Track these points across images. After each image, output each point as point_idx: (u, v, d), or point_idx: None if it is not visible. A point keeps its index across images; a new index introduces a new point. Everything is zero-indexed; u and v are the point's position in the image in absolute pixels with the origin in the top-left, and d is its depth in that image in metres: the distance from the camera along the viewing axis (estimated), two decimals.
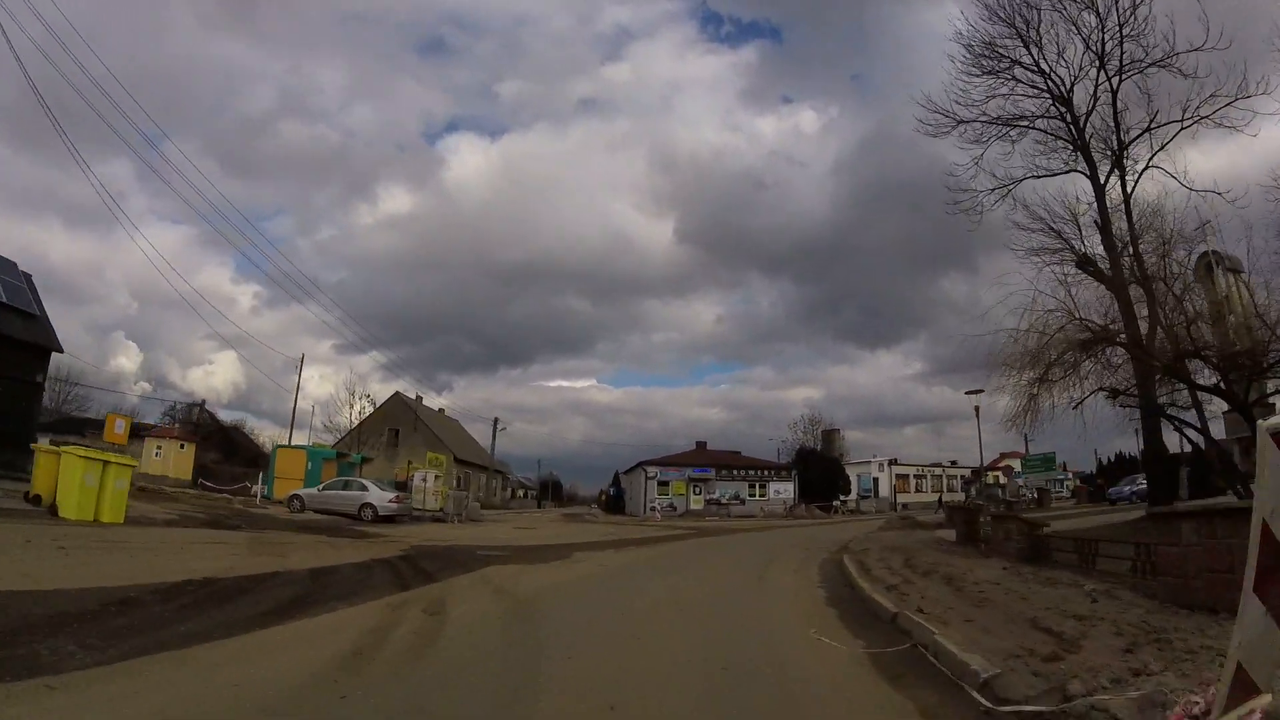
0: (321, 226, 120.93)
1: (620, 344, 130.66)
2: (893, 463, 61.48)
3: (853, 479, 55.50)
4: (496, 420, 56.52)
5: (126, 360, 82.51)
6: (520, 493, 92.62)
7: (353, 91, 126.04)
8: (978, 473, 72.13)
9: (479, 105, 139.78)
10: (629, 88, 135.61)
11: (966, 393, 27.21)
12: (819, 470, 50.92)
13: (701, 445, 54.92)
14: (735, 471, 50.46)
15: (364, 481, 25.19)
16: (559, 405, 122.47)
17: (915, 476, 62.69)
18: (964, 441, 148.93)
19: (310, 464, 30.38)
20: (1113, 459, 49.18)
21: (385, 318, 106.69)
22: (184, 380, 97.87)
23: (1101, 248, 16.72)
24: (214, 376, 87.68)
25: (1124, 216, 16.19)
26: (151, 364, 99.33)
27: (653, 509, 43.73)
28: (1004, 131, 17.54)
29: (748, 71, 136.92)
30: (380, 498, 23.82)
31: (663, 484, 47.51)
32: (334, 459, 31.83)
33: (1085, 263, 16.63)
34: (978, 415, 26.54)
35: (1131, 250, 15.89)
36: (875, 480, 59.91)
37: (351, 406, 44.93)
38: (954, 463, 69.70)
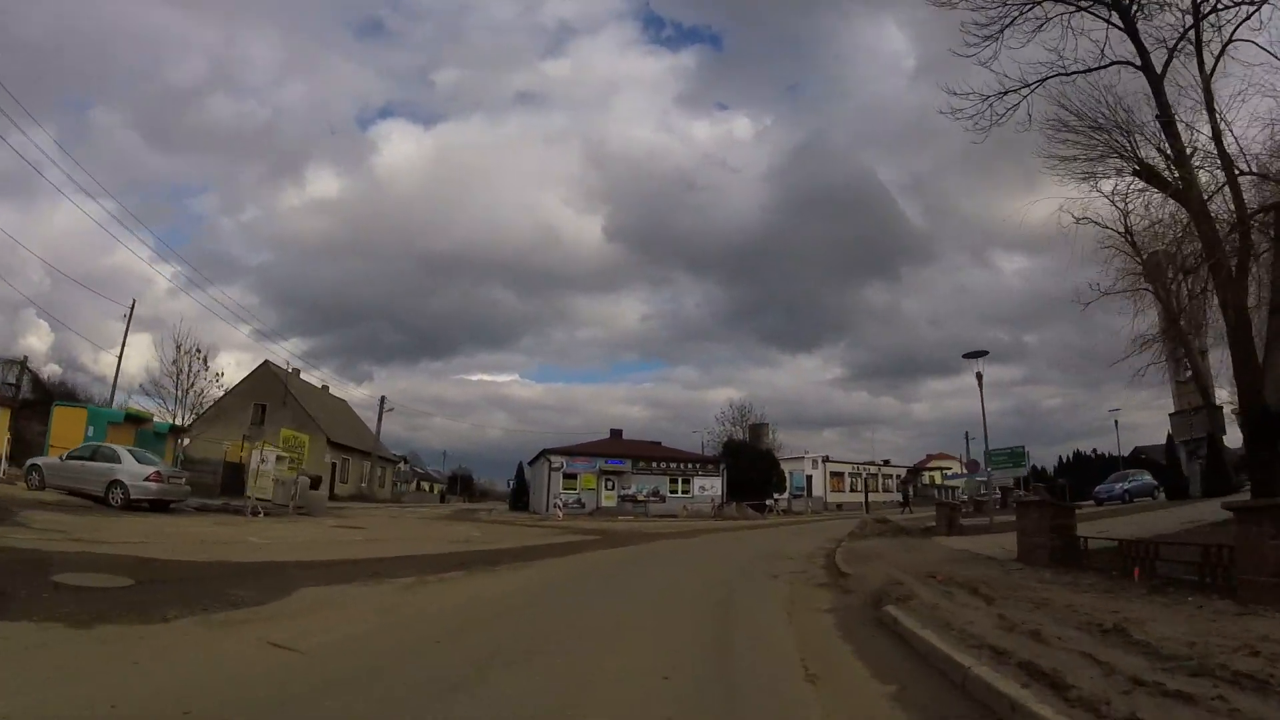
0: (246, 206, 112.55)
1: (544, 338, 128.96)
2: (826, 460, 57.19)
3: (785, 476, 50.65)
4: (383, 400, 48.98)
5: (37, 340, 70.31)
6: (427, 486, 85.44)
7: (286, 68, 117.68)
8: (915, 471, 68.85)
9: (415, 91, 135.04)
10: (567, 83, 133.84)
11: (966, 355, 21.97)
12: (750, 465, 45.69)
13: (616, 434, 48.69)
14: (655, 464, 44.30)
15: (118, 449, 17.78)
16: (481, 399, 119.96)
17: (850, 475, 58.67)
18: (880, 445, 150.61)
19: (91, 428, 22.55)
20: (1071, 458, 45.85)
21: (308, 303, 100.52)
22: (95, 363, 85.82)
23: (1158, 154, 11.56)
24: (129, 360, 76.12)
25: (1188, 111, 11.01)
26: (63, 345, 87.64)
27: (556, 506, 37.27)
28: (1025, 10, 12.10)
29: (685, 75, 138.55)
30: (135, 474, 16.63)
31: (569, 476, 40.87)
32: (122, 422, 24.01)
33: (1148, 175, 11.46)
34: (980, 383, 21.25)
35: (1216, 147, 10.73)
36: (809, 478, 55.39)
37: (182, 370, 36.36)
38: (887, 461, 66.41)
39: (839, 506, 55.59)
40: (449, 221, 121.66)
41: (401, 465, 67.63)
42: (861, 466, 60.70)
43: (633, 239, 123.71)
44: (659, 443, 49.85)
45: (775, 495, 46.59)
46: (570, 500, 38.80)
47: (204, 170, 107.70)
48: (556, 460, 41.01)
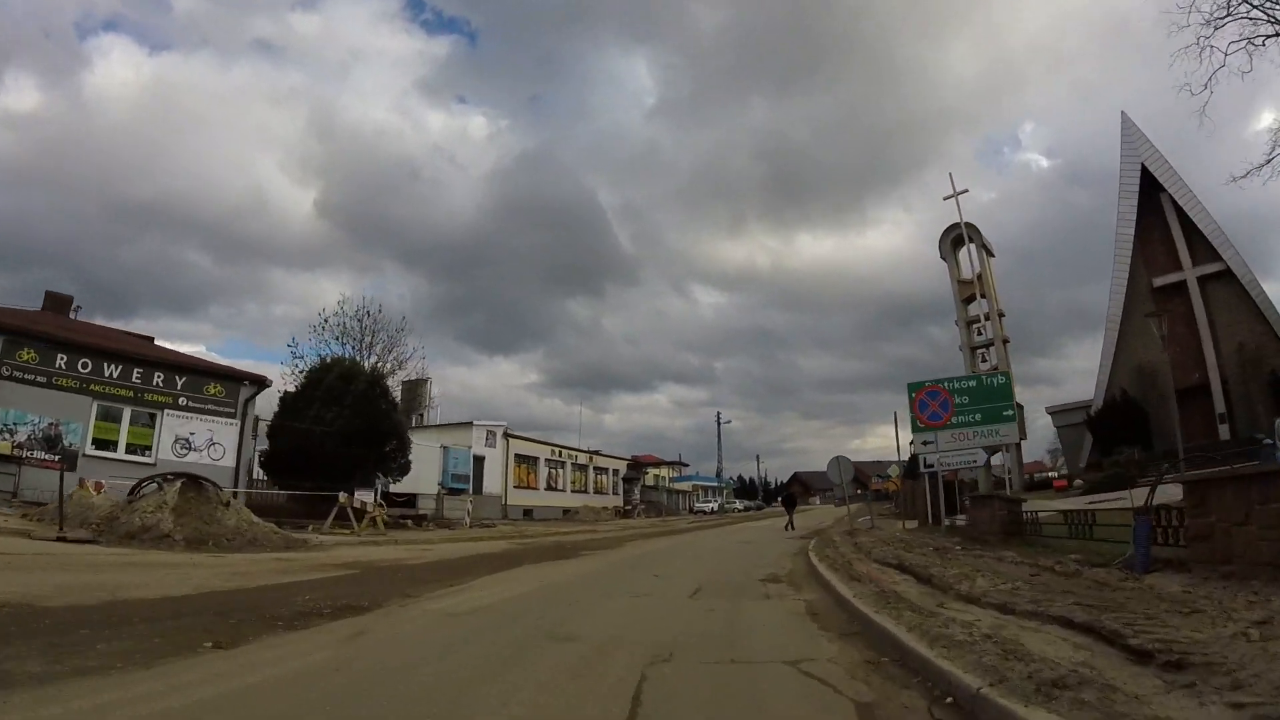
0: None
1: (237, 310, 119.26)
2: (509, 435, 34.45)
3: (426, 450, 26.45)
4: None
5: None
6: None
7: None
8: (637, 467, 50.12)
9: (148, 9, 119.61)
10: (311, 41, 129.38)
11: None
12: (341, 402, 20.40)
13: None
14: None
15: None
16: None
17: (550, 462, 36.81)
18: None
19: None
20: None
21: None
22: None
23: None
24: None
25: None
26: None
27: None
28: None
29: (433, 62, 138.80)
30: None
31: None
32: None
33: None
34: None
35: None
36: (478, 462, 31.96)
37: None
38: (598, 451, 46.45)
39: (527, 513, 33.36)
40: (153, 166, 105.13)
41: None
42: (567, 451, 39.45)
43: (345, 219, 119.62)
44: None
45: (382, 478, 22.23)
46: None
47: None
48: None
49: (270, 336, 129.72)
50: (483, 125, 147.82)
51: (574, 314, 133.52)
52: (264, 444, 21.80)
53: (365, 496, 18.70)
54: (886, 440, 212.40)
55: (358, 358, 26.40)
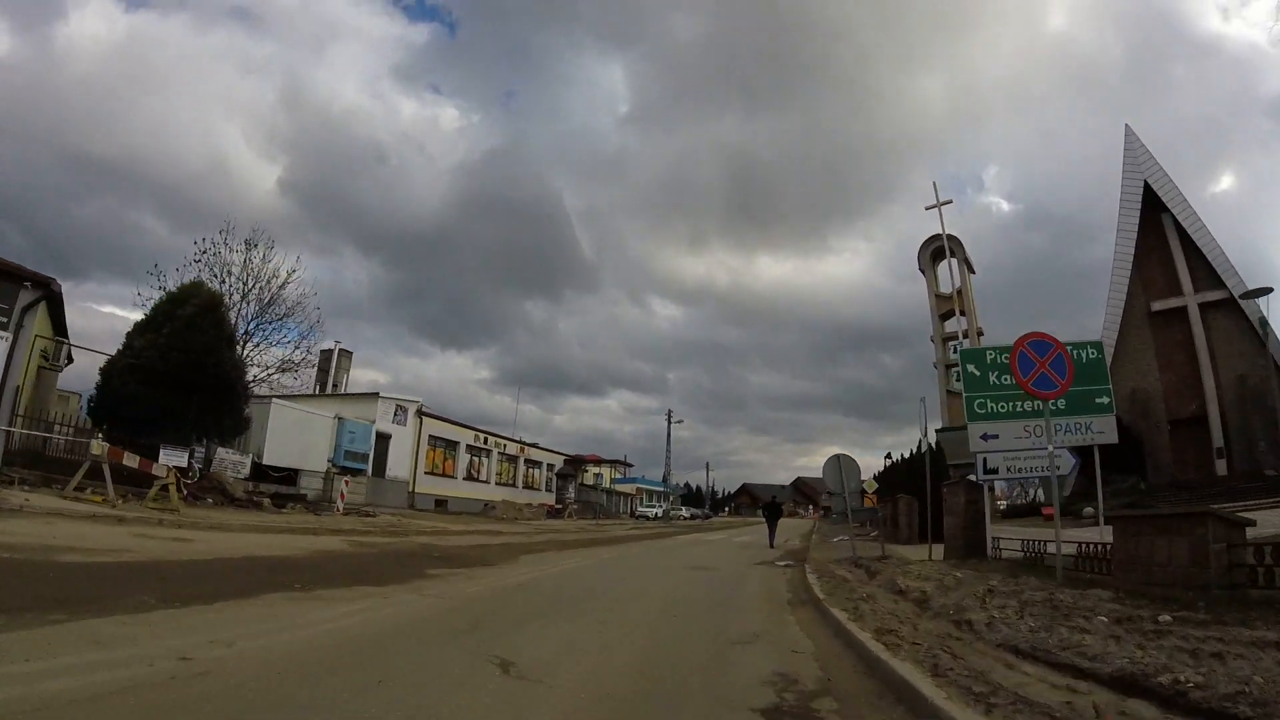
0: None
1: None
2: (424, 413, 29.17)
3: (318, 421, 21.28)
4: None
5: None
6: None
7: None
8: (576, 463, 44.36)
9: None
10: (290, 13, 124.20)
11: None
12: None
13: None
14: None
15: None
16: (106, 334, 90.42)
17: (472, 449, 31.66)
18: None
19: None
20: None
21: None
22: None
23: None
24: None
25: None
26: None
27: None
28: None
29: (411, 48, 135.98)
30: None
31: None
32: None
33: None
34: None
35: None
36: (382, 440, 26.65)
37: None
38: (535, 444, 41.30)
39: (441, 505, 28.23)
40: (116, 123, 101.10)
41: None
42: (495, 439, 34.27)
43: (307, 198, 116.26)
44: None
45: (204, 446, 17.09)
46: None
47: None
48: None
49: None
50: (454, 117, 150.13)
51: (530, 314, 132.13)
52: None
53: (178, 459, 13.50)
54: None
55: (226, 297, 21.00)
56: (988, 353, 11.48)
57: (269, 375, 22.80)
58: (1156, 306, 32.85)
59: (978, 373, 10.96)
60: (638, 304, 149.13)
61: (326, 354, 32.32)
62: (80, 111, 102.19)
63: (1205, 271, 32.09)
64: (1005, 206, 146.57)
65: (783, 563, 13.89)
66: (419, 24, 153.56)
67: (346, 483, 20.27)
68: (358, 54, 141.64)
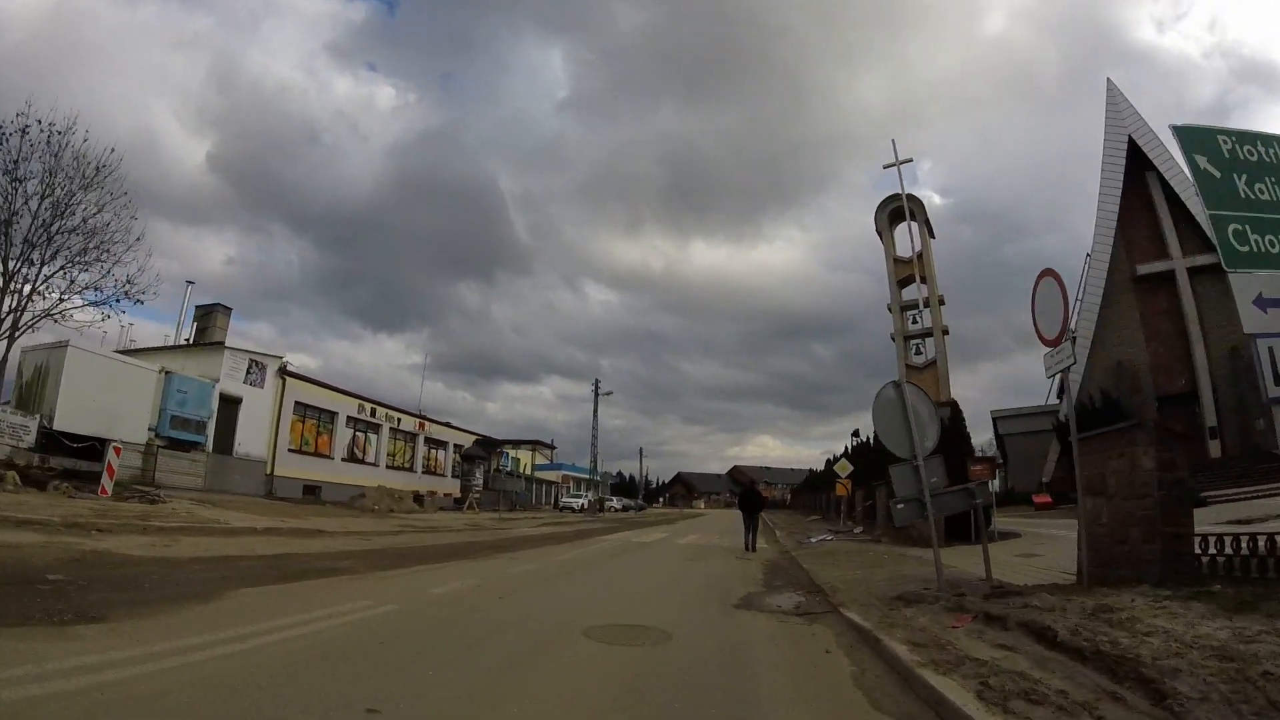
0: None
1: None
2: (287, 372, 22.89)
3: (135, 374, 14.87)
4: None
5: None
6: None
7: None
8: (489, 445, 37.45)
9: None
10: None
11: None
12: None
13: None
14: None
15: None
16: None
17: (357, 421, 25.52)
18: None
19: None
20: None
21: None
22: None
23: None
24: None
25: None
26: None
27: None
28: None
29: (348, 25, 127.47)
30: None
31: None
32: None
33: None
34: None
35: None
36: (231, 403, 20.29)
37: None
38: (447, 423, 35.28)
39: (311, 490, 22.16)
40: (39, 93, 59.43)
41: None
42: (386, 410, 28.11)
43: (237, 175, 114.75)
44: None
45: None
46: None
47: None
48: None
49: (142, 295, 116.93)
50: (390, 96, 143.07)
51: (463, 298, 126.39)
52: None
53: None
54: (763, 449, 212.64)
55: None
56: (1227, 138, 6.27)
57: (62, 309, 16.17)
58: (1142, 270, 29.95)
59: (1217, 173, 6.08)
60: (572, 288, 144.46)
61: (206, 311, 25.55)
62: (4, 82, 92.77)
63: (1193, 232, 29.26)
64: (937, 200, 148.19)
65: (786, 604, 7.00)
66: (357, 0, 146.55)
67: (117, 450, 14.08)
68: (293, 29, 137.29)
